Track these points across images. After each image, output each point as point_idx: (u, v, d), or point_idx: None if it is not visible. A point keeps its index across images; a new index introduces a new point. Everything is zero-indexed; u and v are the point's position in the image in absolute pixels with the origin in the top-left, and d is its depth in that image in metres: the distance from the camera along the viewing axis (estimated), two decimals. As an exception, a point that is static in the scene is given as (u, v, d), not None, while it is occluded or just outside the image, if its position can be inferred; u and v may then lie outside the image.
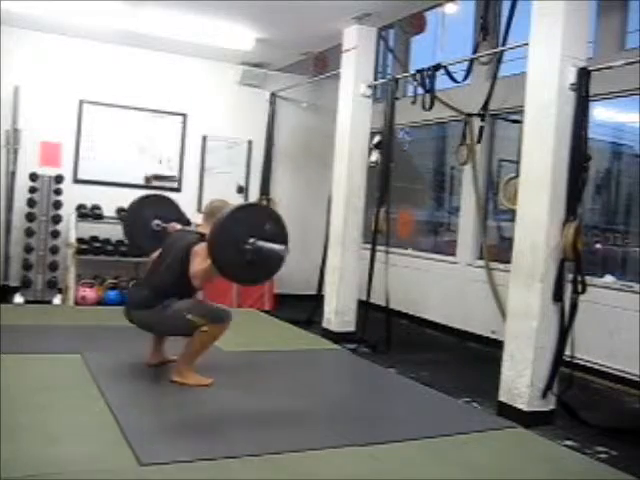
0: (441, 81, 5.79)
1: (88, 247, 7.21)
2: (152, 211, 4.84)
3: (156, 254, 4.40)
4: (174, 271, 4.06)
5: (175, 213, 4.93)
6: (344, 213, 6.43)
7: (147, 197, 5.01)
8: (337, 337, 6.18)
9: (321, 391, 4.49)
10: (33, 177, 7.10)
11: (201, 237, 4.00)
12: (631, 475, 3.21)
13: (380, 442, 3.35)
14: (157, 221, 4.77)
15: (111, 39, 7.37)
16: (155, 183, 7.83)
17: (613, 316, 5.25)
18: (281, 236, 3.79)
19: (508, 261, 4.54)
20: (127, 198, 7.41)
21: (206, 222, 4.17)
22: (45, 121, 7.34)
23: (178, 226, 4.68)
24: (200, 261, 3.88)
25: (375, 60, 6.70)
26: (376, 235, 6.17)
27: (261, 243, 3.68)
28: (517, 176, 4.52)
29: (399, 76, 6.39)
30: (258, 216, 3.85)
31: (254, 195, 8.47)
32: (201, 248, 3.87)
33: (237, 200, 8.37)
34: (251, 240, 3.67)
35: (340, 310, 6.39)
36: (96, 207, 7.39)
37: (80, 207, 7.32)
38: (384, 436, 3.46)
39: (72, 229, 7.13)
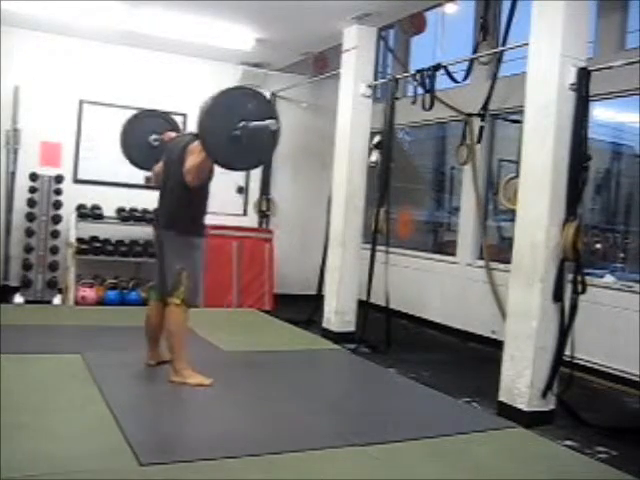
0: (441, 81, 5.79)
1: (88, 247, 7.21)
2: (146, 127, 4.78)
3: (159, 166, 4.40)
4: (178, 177, 4.04)
5: (169, 124, 4.88)
6: (344, 213, 6.43)
7: (138, 114, 4.93)
8: (337, 337, 6.18)
9: (321, 391, 4.49)
10: (33, 177, 7.10)
11: (195, 136, 3.99)
12: (631, 475, 3.21)
13: (380, 442, 3.35)
14: (154, 136, 4.71)
15: (111, 39, 7.37)
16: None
17: (613, 316, 5.26)
18: (269, 112, 3.81)
19: (508, 261, 4.54)
20: (127, 198, 7.56)
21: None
22: (45, 121, 7.34)
23: (173, 134, 4.63)
24: (194, 157, 3.90)
25: (375, 60, 6.69)
26: (376, 235, 6.17)
27: (250, 123, 3.68)
28: (517, 176, 4.52)
29: (399, 76, 6.39)
30: (242, 98, 3.83)
31: (254, 195, 8.49)
32: (195, 145, 3.89)
33: (237, 200, 8.40)
34: (241, 124, 3.68)
35: (340, 310, 6.39)
36: (96, 207, 7.39)
37: (80, 207, 7.31)
38: (384, 436, 3.45)
39: (72, 229, 7.12)
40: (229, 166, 3.96)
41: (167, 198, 4.21)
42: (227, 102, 3.76)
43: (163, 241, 4.22)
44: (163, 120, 4.90)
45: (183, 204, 4.10)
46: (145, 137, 4.73)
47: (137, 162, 4.81)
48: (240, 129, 3.69)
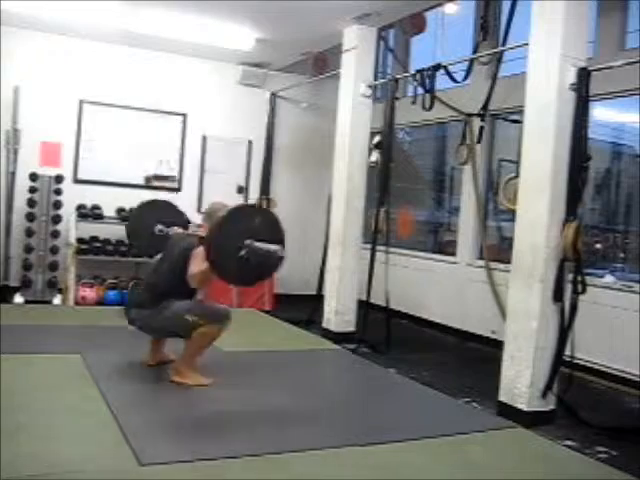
0: (441, 81, 5.79)
1: (88, 247, 7.22)
2: (154, 216, 4.89)
3: (158, 257, 4.46)
4: (174, 273, 4.09)
5: (176, 217, 4.98)
6: (344, 213, 6.43)
7: (149, 202, 5.06)
8: (337, 337, 6.18)
9: (321, 391, 4.49)
10: (33, 177, 7.10)
11: (200, 240, 4.03)
12: (631, 475, 3.21)
13: (380, 442, 3.35)
14: (160, 226, 4.81)
15: (111, 39, 7.37)
16: (155, 183, 7.84)
17: (613, 316, 5.25)
18: (277, 236, 3.83)
19: (508, 261, 4.53)
20: (127, 198, 7.56)
21: (206, 223, 4.21)
22: (45, 121, 7.35)
23: (180, 230, 4.72)
24: (198, 263, 3.90)
25: (375, 60, 6.69)
26: (376, 235, 6.17)
27: (257, 244, 3.71)
28: (517, 176, 4.52)
29: (399, 76, 6.39)
30: (254, 217, 3.88)
31: (254, 195, 8.48)
32: (200, 251, 3.90)
33: (237, 200, 8.39)
34: (247, 242, 3.69)
35: (340, 310, 6.39)
36: (96, 207, 7.39)
37: (80, 207, 7.32)
38: (384, 436, 3.45)
39: (72, 229, 7.13)
40: (230, 281, 4.18)
41: (158, 279, 4.22)
42: (236, 220, 3.80)
43: (148, 322, 4.19)
44: (174, 213, 5.00)
45: (175, 291, 4.11)
46: (151, 225, 4.83)
47: (139, 247, 4.92)
48: (246, 250, 3.70)
